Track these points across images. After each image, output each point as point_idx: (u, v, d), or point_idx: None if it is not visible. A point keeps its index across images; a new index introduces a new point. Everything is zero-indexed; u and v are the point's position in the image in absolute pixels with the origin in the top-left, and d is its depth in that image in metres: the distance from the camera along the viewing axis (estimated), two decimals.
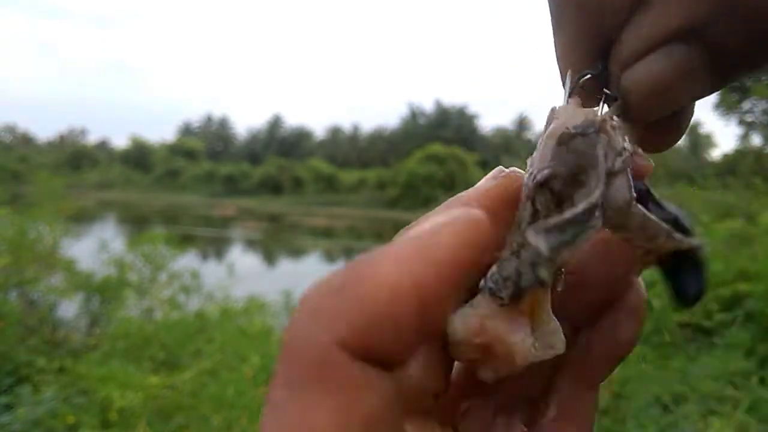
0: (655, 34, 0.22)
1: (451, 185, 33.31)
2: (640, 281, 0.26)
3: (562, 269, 0.24)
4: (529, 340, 0.21)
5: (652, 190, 0.24)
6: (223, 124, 59.36)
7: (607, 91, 0.24)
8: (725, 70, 0.22)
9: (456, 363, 0.23)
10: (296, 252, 17.14)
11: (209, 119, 59.53)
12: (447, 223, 0.18)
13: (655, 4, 0.22)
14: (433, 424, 0.21)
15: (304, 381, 0.16)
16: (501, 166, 0.25)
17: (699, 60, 0.22)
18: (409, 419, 0.19)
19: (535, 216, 0.22)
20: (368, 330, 0.16)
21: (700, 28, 0.21)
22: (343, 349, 0.16)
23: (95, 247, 5.58)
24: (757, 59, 0.22)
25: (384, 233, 24.05)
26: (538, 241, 0.20)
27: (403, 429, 0.19)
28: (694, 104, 0.25)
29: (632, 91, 0.23)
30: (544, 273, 0.20)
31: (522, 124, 50.15)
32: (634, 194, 0.22)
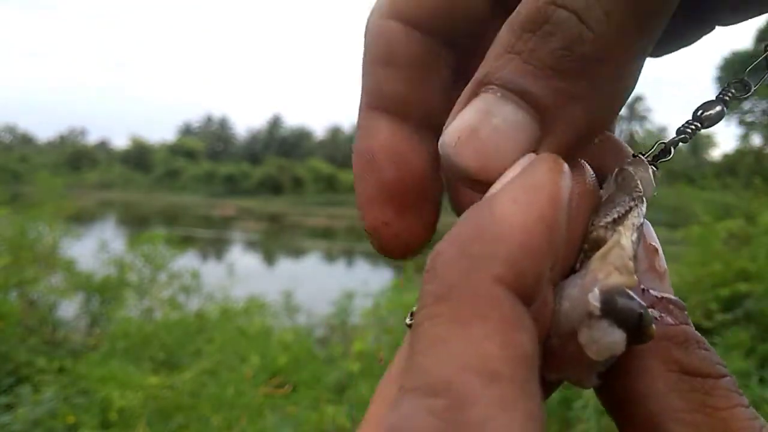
0: (464, 95, 0.23)
1: None
2: None
3: None
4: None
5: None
6: (223, 124, 59.37)
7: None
8: (531, 102, 0.22)
9: None
10: (296, 252, 17.14)
11: (209, 119, 59.54)
12: (538, 163, 0.20)
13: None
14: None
15: (470, 315, 0.17)
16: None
17: (493, 98, 0.22)
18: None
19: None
20: (516, 265, 0.18)
21: (486, 78, 0.22)
22: (501, 284, 0.17)
23: (95, 247, 5.58)
24: None
25: None
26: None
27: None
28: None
29: (445, 144, 0.22)
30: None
31: None
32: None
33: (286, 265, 14.37)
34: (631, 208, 0.23)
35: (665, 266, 0.24)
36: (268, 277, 10.11)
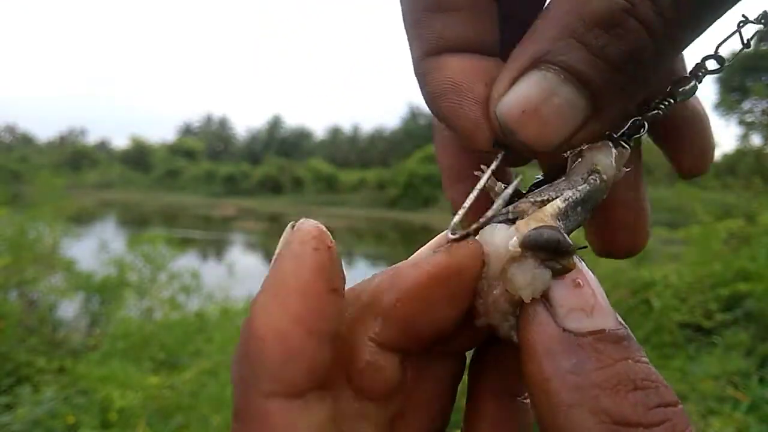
0: (517, 64, 0.24)
1: None
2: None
3: None
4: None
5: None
6: (223, 124, 59.36)
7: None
8: (591, 90, 0.24)
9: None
10: None
11: (209, 119, 59.53)
12: (282, 251, 0.23)
13: (519, 45, 0.25)
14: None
15: (250, 428, 0.21)
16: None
17: (557, 79, 0.24)
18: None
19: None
20: (281, 375, 0.21)
21: (548, 54, 0.24)
22: (271, 397, 0.21)
23: (95, 247, 5.58)
24: (625, 87, 0.24)
25: (384, 233, 24.05)
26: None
27: None
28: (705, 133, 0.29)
29: (506, 115, 0.25)
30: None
31: None
32: None
33: None
34: (564, 194, 0.26)
35: (595, 300, 0.22)
36: None
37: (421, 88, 0.29)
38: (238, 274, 6.36)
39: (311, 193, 38.62)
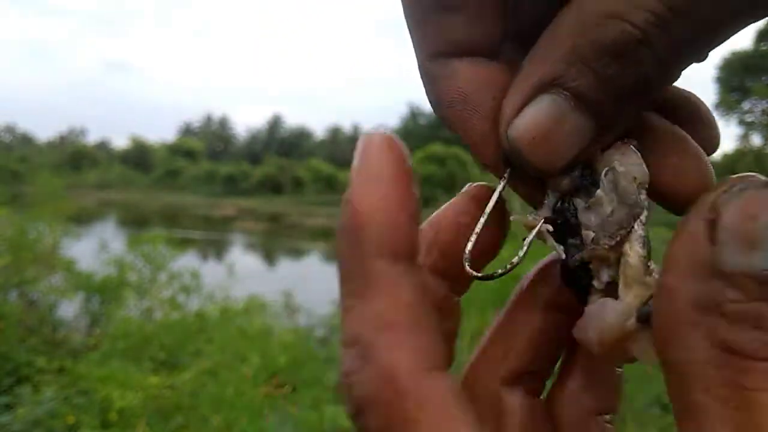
0: (527, 87, 0.25)
1: (451, 185, 33.28)
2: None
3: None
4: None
5: None
6: (223, 124, 59.38)
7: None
8: (599, 116, 0.25)
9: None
10: (296, 252, 17.14)
11: (209, 119, 59.54)
12: (364, 149, 0.26)
13: (526, 63, 0.25)
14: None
15: (363, 288, 0.23)
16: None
17: (567, 106, 0.24)
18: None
19: None
20: (381, 238, 0.23)
21: (558, 79, 0.24)
22: (378, 257, 0.23)
23: (95, 247, 5.58)
24: (623, 108, 0.25)
25: None
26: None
27: (432, 312, 0.24)
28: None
29: (517, 139, 0.25)
30: None
31: None
32: None
33: (286, 265, 14.37)
34: (632, 227, 0.26)
35: (761, 239, 0.21)
36: (268, 277, 10.10)
37: (428, 92, 0.29)
38: (238, 274, 6.36)
39: (311, 193, 38.64)
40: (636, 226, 0.26)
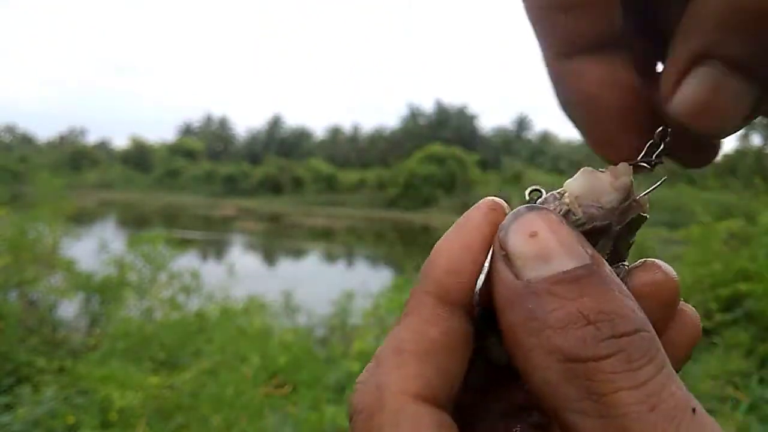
0: (680, 63, 0.25)
1: (451, 185, 33.27)
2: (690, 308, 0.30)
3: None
4: None
5: None
6: (223, 124, 59.35)
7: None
8: (758, 79, 0.25)
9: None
10: (296, 252, 17.13)
11: (209, 119, 59.52)
12: (471, 209, 0.27)
13: (675, 40, 0.26)
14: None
15: (405, 316, 0.26)
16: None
17: (722, 74, 0.25)
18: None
19: None
20: (441, 281, 0.26)
21: (711, 49, 0.24)
22: (429, 295, 0.26)
23: (95, 247, 5.58)
24: None
25: (384, 233, 24.03)
26: None
27: (460, 357, 0.26)
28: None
29: (680, 114, 0.26)
30: None
31: (522, 124, 50.15)
32: None
33: (286, 266, 14.37)
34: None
35: (551, 245, 0.24)
36: (268, 277, 10.10)
37: (555, 92, 0.29)
38: (238, 274, 6.36)
39: (311, 193, 38.62)
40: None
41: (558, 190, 0.27)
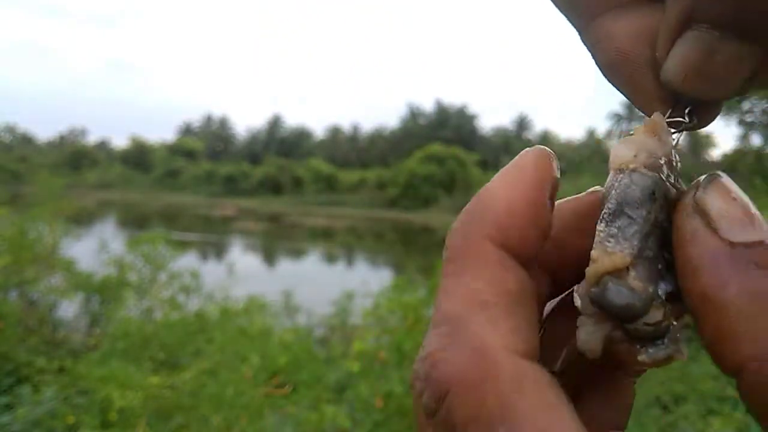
0: (670, 24, 0.24)
1: (451, 185, 33.28)
2: None
3: None
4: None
5: None
6: (223, 124, 59.36)
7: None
8: (751, 36, 0.23)
9: None
10: (296, 252, 17.13)
11: (209, 119, 59.53)
12: (521, 157, 0.25)
13: (666, 9, 0.24)
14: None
15: (465, 266, 0.22)
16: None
17: (712, 37, 0.23)
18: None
19: None
20: (501, 225, 0.23)
21: (695, 14, 0.23)
22: (490, 240, 0.23)
23: (95, 247, 5.58)
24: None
25: (384, 233, 24.03)
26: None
27: (534, 308, 0.23)
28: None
29: (671, 80, 0.25)
30: None
31: (522, 124, 50.16)
32: None
33: (286, 266, 14.38)
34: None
35: (752, 210, 0.22)
36: (268, 277, 10.11)
37: (593, 59, 0.28)
38: (238, 274, 6.36)
39: (311, 193, 38.62)
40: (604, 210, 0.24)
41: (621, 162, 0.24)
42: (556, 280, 0.27)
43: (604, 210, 0.23)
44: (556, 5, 0.28)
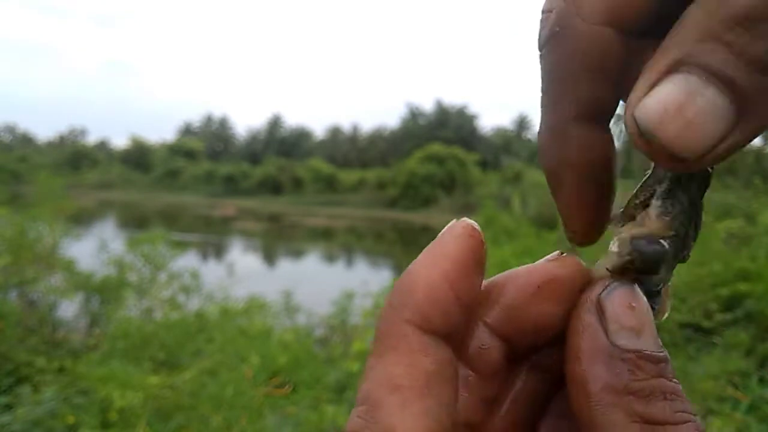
0: (656, 69, 0.24)
1: (451, 185, 33.27)
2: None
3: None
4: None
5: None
6: (223, 124, 59.35)
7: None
8: (735, 93, 0.23)
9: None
10: (296, 252, 17.13)
11: (209, 119, 59.51)
12: (446, 234, 0.26)
13: (651, 59, 0.24)
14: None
15: (386, 349, 0.24)
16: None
17: (699, 81, 0.23)
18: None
19: None
20: (422, 309, 0.24)
21: (688, 58, 0.23)
22: (410, 324, 0.24)
23: (95, 247, 5.58)
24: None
25: (384, 233, 24.03)
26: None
27: (454, 387, 0.25)
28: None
29: (646, 120, 0.23)
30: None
31: (522, 124, 50.15)
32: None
33: (286, 265, 14.37)
34: (654, 191, 0.27)
35: (645, 323, 0.26)
36: (268, 277, 10.10)
37: (549, 155, 0.29)
38: (238, 274, 6.37)
39: (311, 193, 38.61)
40: (659, 192, 0.27)
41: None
42: (512, 347, 0.28)
43: (660, 189, 0.27)
44: (549, 97, 0.28)
